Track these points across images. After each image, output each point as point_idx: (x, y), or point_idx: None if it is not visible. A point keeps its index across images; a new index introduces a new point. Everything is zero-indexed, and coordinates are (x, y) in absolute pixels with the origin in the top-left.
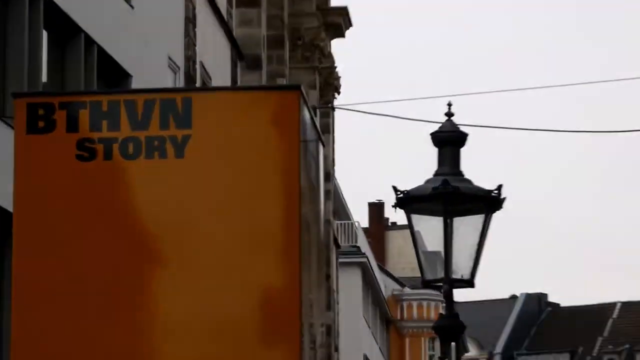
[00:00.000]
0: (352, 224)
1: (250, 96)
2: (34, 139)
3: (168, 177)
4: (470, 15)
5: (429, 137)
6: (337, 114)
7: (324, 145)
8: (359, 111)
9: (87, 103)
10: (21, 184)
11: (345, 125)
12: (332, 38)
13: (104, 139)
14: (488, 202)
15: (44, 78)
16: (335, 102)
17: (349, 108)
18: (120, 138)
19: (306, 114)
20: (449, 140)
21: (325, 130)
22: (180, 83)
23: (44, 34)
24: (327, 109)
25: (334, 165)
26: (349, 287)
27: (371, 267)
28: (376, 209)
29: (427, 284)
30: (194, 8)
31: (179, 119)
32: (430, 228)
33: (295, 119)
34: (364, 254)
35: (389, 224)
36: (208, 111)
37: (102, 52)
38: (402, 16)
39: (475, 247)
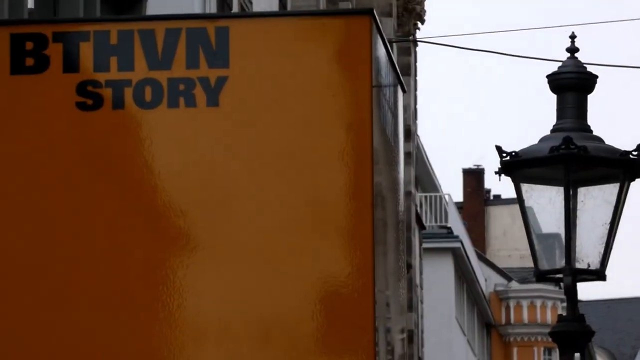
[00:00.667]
0: (440, 197)
1: (305, 24)
2: (20, 81)
3: (197, 133)
4: None
5: (545, 80)
6: (421, 49)
7: (404, 91)
8: (449, 46)
9: (90, 34)
10: (3, 141)
11: (431, 65)
12: None
13: (112, 81)
14: (625, 167)
15: (30, 3)
16: (418, 34)
17: (436, 42)
18: (135, 80)
19: (380, 49)
20: (571, 84)
21: (405, 72)
22: (212, 7)
23: None
24: (406, 43)
25: (416, 118)
26: (437, 280)
27: (467, 255)
28: (473, 177)
29: (541, 276)
30: None
31: (211, 55)
32: (546, 202)
33: (365, 56)
34: (457, 237)
35: (491, 198)
36: (250, 45)
37: None
38: None
39: (607, 227)
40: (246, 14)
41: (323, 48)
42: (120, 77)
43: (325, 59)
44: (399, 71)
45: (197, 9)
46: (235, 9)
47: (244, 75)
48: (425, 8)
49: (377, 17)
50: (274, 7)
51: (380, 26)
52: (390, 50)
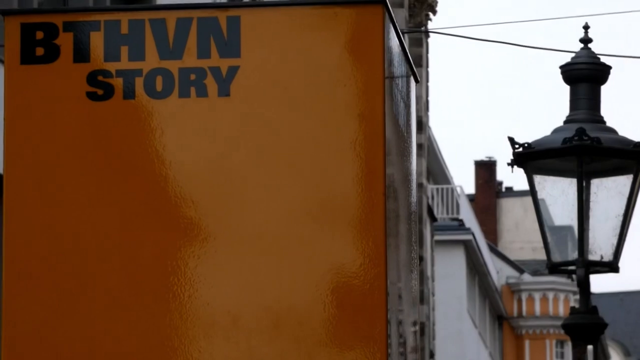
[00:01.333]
0: (452, 189)
1: (317, 14)
2: (30, 71)
3: (209, 122)
4: None
5: (559, 70)
6: (433, 40)
7: (417, 81)
8: (461, 37)
9: (100, 23)
10: (13, 131)
11: (443, 56)
12: None
13: (123, 71)
14: (638, 158)
15: None
16: (430, 25)
17: (449, 32)
18: (145, 70)
19: (393, 39)
20: (585, 75)
21: (417, 63)
22: None
23: None
24: (418, 34)
25: (427, 110)
26: (449, 273)
27: (478, 247)
28: (485, 169)
29: (554, 268)
30: None
31: (223, 44)
32: (559, 194)
33: (378, 46)
34: (469, 229)
35: (503, 190)
36: (262, 34)
37: None
38: None
39: (620, 219)
40: (257, 3)
41: (335, 37)
42: (131, 67)
43: (337, 49)
44: (411, 61)
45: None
46: None
47: (256, 65)
48: None
49: (389, 6)
50: None
51: (393, 16)
52: (403, 40)
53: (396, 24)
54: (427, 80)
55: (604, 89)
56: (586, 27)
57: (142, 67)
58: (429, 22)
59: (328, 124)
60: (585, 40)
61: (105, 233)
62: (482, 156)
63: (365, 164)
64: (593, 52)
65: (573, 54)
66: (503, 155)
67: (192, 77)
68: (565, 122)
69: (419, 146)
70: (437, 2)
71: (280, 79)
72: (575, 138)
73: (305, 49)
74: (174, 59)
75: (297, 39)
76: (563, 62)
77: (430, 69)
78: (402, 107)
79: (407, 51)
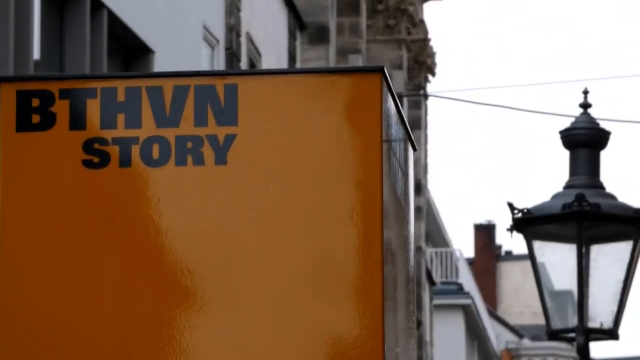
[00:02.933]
0: (451, 252)
1: (314, 82)
2: (25, 139)
3: (205, 190)
4: None
5: (558, 135)
6: (431, 103)
7: (415, 149)
8: (460, 100)
9: (97, 90)
10: (8, 200)
11: (442, 118)
12: (425, 1)
13: (119, 139)
14: (638, 225)
15: (36, 54)
16: (429, 88)
17: (447, 96)
18: (142, 138)
19: (391, 105)
20: (584, 140)
21: (415, 126)
22: (220, 62)
23: None
24: (417, 97)
25: (426, 172)
26: (447, 337)
27: (477, 312)
28: (485, 233)
29: (554, 334)
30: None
31: (220, 112)
32: (559, 259)
33: (376, 112)
34: (468, 293)
35: (503, 253)
36: (259, 102)
37: (114, 18)
38: None
39: (620, 286)
40: (255, 71)
41: (332, 105)
42: (127, 135)
43: (335, 117)
44: (409, 129)
45: (205, 63)
46: (244, 62)
47: (253, 133)
48: (437, 61)
49: (387, 74)
50: (283, 61)
51: (391, 83)
52: (401, 108)
53: (394, 92)
54: (426, 143)
55: (603, 154)
56: (586, 92)
57: (139, 134)
58: (428, 84)
59: (325, 191)
60: (585, 105)
61: (100, 302)
62: (481, 219)
63: (362, 233)
64: (593, 117)
65: (573, 119)
66: (503, 218)
67: (189, 145)
68: (565, 187)
69: (418, 209)
70: (436, 64)
71: (278, 147)
72: (575, 204)
73: (303, 117)
74: (170, 127)
75: (295, 107)
76: (563, 127)
77: (429, 131)
78: (399, 175)
79: (405, 119)
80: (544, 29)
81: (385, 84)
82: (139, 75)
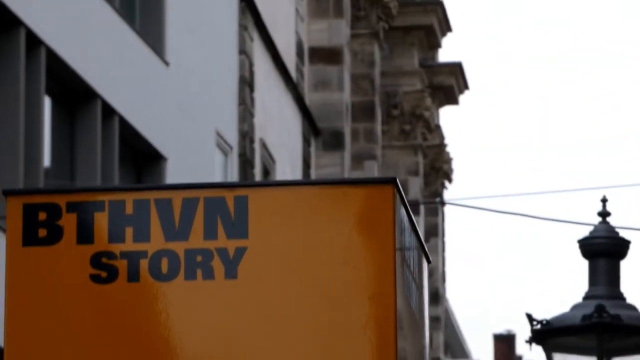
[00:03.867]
0: None
1: (326, 194)
2: (32, 253)
3: (215, 306)
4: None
5: (577, 245)
6: (449, 210)
7: (429, 261)
8: (477, 208)
9: (105, 203)
10: (14, 314)
11: (459, 226)
12: (441, 106)
13: (128, 253)
14: None
15: (47, 161)
16: (446, 195)
17: (465, 204)
18: (151, 252)
19: (404, 217)
20: (604, 250)
21: (433, 233)
22: (234, 169)
23: (46, 100)
24: (434, 205)
25: (444, 281)
26: None
27: None
28: (504, 343)
29: None
30: (251, 65)
31: (230, 225)
32: None
33: (388, 224)
34: None
35: None
36: (270, 214)
37: (125, 124)
38: (535, 74)
39: None
40: (265, 182)
41: (344, 217)
42: (135, 249)
43: (347, 229)
44: (423, 241)
45: (218, 170)
46: (258, 169)
47: (264, 246)
48: (453, 167)
49: (399, 185)
50: (297, 166)
51: (404, 193)
52: (415, 217)
53: (407, 204)
54: (444, 251)
55: (623, 263)
56: (604, 200)
57: (147, 248)
58: (445, 190)
59: (338, 306)
60: (604, 214)
61: None
62: (501, 329)
63: (376, 349)
64: (612, 226)
65: (591, 227)
66: (522, 328)
67: (199, 258)
68: (585, 298)
69: (436, 319)
70: (452, 170)
71: (289, 260)
72: (595, 315)
73: (314, 230)
74: (179, 240)
75: (306, 219)
76: (581, 236)
77: (446, 239)
78: (413, 287)
79: (418, 230)
80: (554, 132)
81: (397, 194)
82: (147, 187)
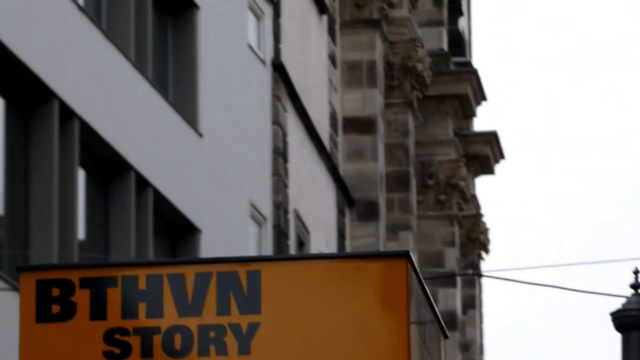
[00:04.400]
0: None
1: (339, 268)
2: (45, 330)
3: None
4: None
5: (609, 318)
6: (487, 282)
7: (446, 336)
8: (513, 280)
9: (118, 279)
10: None
11: (497, 298)
12: (477, 175)
13: (141, 328)
14: None
15: (81, 234)
16: (483, 266)
17: (500, 276)
18: (164, 327)
19: (418, 291)
20: (636, 323)
21: (470, 305)
22: (268, 240)
23: (80, 172)
24: (471, 276)
25: (482, 353)
26: None
27: None
28: None
29: None
30: (284, 135)
31: (243, 300)
32: None
33: (402, 298)
34: None
35: None
36: (283, 289)
37: (159, 196)
38: (573, 142)
39: None
40: (278, 256)
41: (358, 292)
42: (148, 324)
43: (360, 303)
44: (439, 314)
45: (252, 241)
46: (293, 240)
47: (277, 320)
48: (490, 237)
49: (412, 259)
50: (332, 237)
51: (417, 268)
52: (429, 293)
53: (421, 276)
54: (481, 322)
55: None
56: (636, 272)
57: (160, 324)
58: (482, 262)
59: None
60: (636, 286)
61: None
62: None
63: None
64: None
65: (625, 299)
66: None
67: (212, 334)
68: None
69: None
70: (489, 241)
71: (302, 336)
72: None
73: (328, 304)
74: (193, 316)
75: (319, 293)
76: (614, 308)
77: (484, 310)
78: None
79: (434, 304)
80: (590, 203)
81: (411, 268)
82: (160, 262)
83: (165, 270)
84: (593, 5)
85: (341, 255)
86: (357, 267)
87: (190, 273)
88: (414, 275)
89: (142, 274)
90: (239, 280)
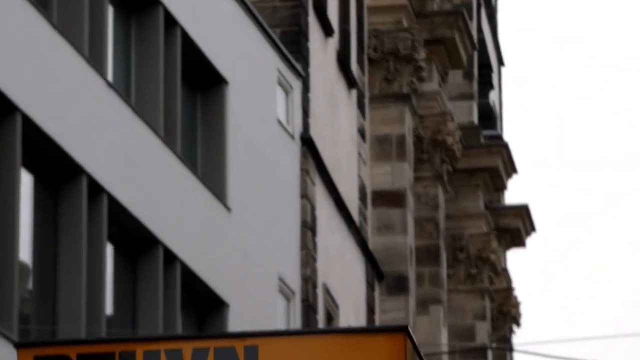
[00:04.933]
0: None
1: (338, 342)
2: None
3: None
4: None
5: None
6: (518, 356)
7: None
8: (545, 355)
9: (115, 355)
10: None
11: None
12: (508, 249)
13: None
14: None
15: (109, 309)
16: (514, 340)
17: (532, 350)
18: None
19: None
20: None
21: None
22: (296, 315)
23: (108, 247)
24: (502, 349)
25: None
26: None
27: None
28: None
29: None
30: (313, 209)
31: None
32: None
33: None
34: None
35: None
36: None
37: (187, 271)
38: (602, 216)
39: None
40: (276, 331)
41: None
42: None
43: None
44: None
45: (281, 315)
46: (321, 314)
47: None
48: (521, 311)
49: (411, 333)
50: (361, 311)
51: (416, 342)
52: None
53: (420, 351)
54: None
55: None
56: None
57: None
58: (513, 335)
59: None
60: None
61: None
62: None
63: None
64: None
65: None
66: None
67: None
68: None
69: None
70: (520, 314)
71: None
72: None
73: None
74: None
75: None
76: None
77: None
78: None
79: None
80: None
81: (410, 343)
82: (158, 337)
83: (163, 345)
84: (602, 25)
85: (340, 330)
86: (356, 342)
87: (187, 348)
88: (412, 350)
89: (139, 350)
90: (237, 355)
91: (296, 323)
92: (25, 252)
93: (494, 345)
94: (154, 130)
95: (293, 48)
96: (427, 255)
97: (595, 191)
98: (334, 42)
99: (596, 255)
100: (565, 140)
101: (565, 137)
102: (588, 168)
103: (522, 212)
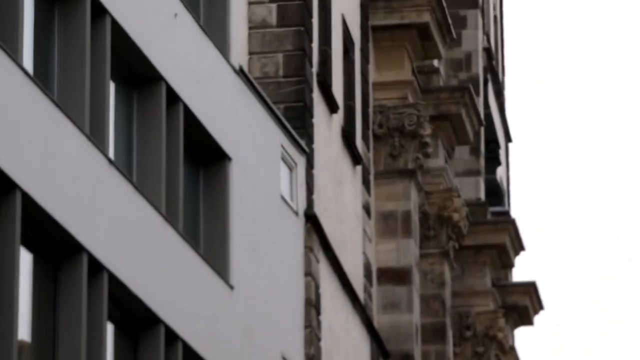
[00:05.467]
0: None
1: None
2: None
3: None
4: None
5: None
6: None
7: None
8: None
9: None
10: None
11: None
12: (516, 327)
13: None
14: None
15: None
16: None
17: None
18: None
19: None
20: None
21: None
22: None
23: (109, 326)
24: None
25: None
26: None
27: None
28: None
29: None
30: (317, 287)
31: None
32: None
33: None
34: None
35: None
36: None
37: (189, 351)
38: (612, 294)
39: None
40: None
41: None
42: None
43: None
44: None
45: None
46: None
47: None
48: None
49: None
50: None
51: None
52: None
53: None
54: None
55: None
56: None
57: None
58: None
59: None
60: None
61: None
62: None
63: None
64: None
65: None
66: None
67: None
68: None
69: None
70: None
71: None
72: None
73: None
74: None
75: None
76: None
77: None
78: None
79: None
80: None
81: None
82: None
83: None
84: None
85: None
86: None
87: None
88: None
89: None
90: None
91: None
92: (24, 330)
93: None
94: (156, 207)
95: (297, 124)
96: (433, 334)
97: (604, 267)
98: (338, 118)
99: (604, 334)
100: (574, 216)
101: (573, 211)
102: (597, 240)
103: (530, 290)
